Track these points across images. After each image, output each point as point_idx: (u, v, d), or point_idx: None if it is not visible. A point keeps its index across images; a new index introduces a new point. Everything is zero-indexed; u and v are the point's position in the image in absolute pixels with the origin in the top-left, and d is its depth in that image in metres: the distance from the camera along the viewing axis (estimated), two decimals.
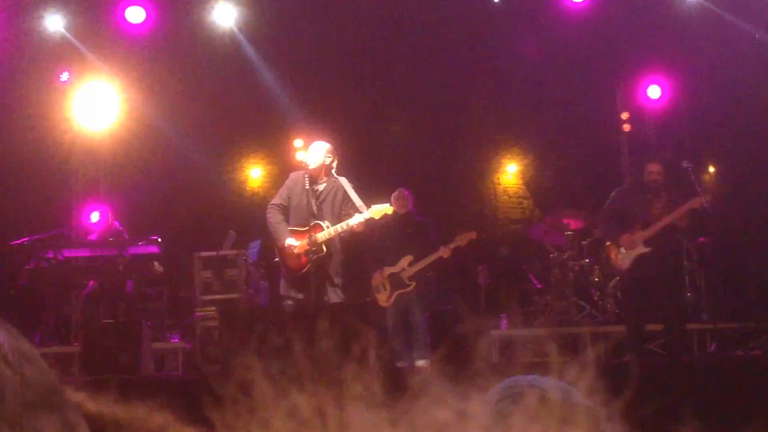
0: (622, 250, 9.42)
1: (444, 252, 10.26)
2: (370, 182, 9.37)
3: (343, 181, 8.73)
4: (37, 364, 1.37)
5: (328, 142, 8.94)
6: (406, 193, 10.57)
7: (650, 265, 9.26)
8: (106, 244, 11.13)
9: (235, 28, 13.40)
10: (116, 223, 11.81)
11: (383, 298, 10.31)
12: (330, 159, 8.78)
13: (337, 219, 8.61)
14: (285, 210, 8.83)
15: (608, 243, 9.78)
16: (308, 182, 8.67)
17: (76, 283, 11.38)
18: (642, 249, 9.29)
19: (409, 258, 10.24)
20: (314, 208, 8.63)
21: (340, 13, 13.64)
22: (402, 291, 10.24)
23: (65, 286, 11.55)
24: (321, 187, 8.74)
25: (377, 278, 10.34)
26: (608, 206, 9.75)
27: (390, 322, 10.28)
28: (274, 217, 8.79)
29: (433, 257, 10.27)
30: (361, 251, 10.46)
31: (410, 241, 10.34)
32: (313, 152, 8.78)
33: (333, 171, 8.80)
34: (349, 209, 8.58)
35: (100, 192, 13.82)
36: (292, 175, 9.01)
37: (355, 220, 8.44)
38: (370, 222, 8.54)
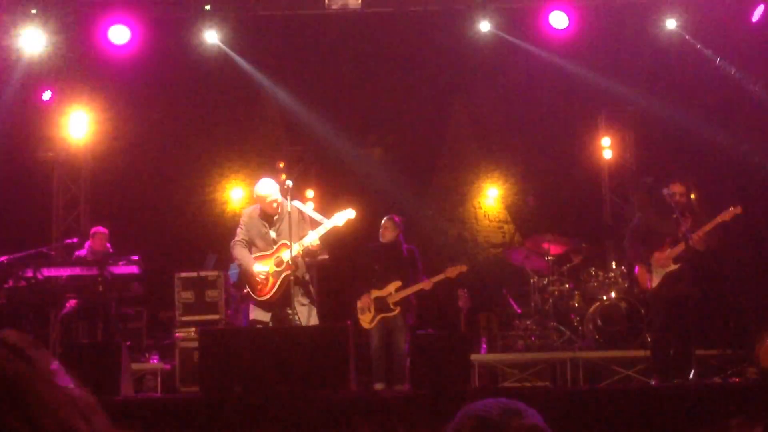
0: (653, 269, 9.38)
1: (426, 285, 10.36)
2: (350, 207, 9.38)
3: (297, 204, 8.92)
4: (102, 415, 1.44)
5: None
6: (397, 220, 10.61)
7: (678, 283, 9.27)
8: (86, 264, 11.08)
9: (221, 46, 13.39)
10: (107, 245, 11.80)
11: (366, 319, 10.36)
12: (278, 192, 8.90)
13: (297, 240, 8.76)
14: (248, 244, 9.01)
15: (637, 265, 9.75)
16: (262, 214, 8.97)
17: (55, 303, 11.32)
18: (671, 266, 9.29)
19: (397, 283, 10.32)
20: (273, 235, 8.92)
21: (323, 37, 13.68)
22: (386, 315, 10.29)
23: (44, 306, 11.49)
24: (275, 216, 8.90)
25: (364, 300, 10.41)
26: (634, 229, 9.78)
27: (372, 345, 10.32)
28: (239, 251, 9.02)
29: (416, 287, 10.34)
30: (341, 276, 10.53)
31: (398, 267, 10.41)
32: (262, 188, 8.97)
33: (283, 200, 8.90)
34: (305, 230, 8.76)
35: (80, 211, 13.78)
36: (246, 211, 9.34)
37: (321, 231, 8.64)
38: (335, 231, 8.74)
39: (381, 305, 10.34)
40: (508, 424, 1.81)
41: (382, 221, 10.62)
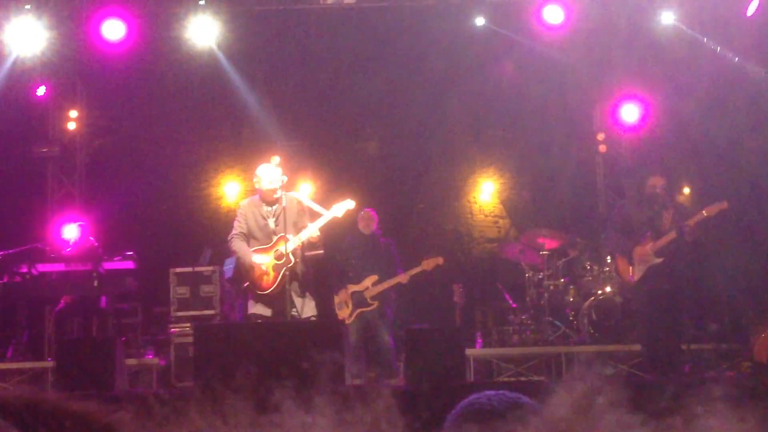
0: (635, 263, 9.37)
1: (402, 278, 10.41)
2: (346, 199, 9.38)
3: (297, 195, 8.89)
4: None
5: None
6: (372, 213, 10.67)
7: (662, 277, 9.24)
8: (81, 259, 11.06)
9: (213, 45, 13.35)
10: (91, 238, 11.75)
11: (345, 314, 10.39)
12: (279, 179, 8.78)
13: (297, 232, 8.69)
14: (246, 237, 8.90)
15: (618, 257, 9.72)
16: (262, 204, 8.87)
17: (50, 298, 11.31)
18: (654, 260, 9.24)
19: (373, 278, 10.34)
20: (272, 226, 8.80)
21: (319, 31, 13.67)
22: (364, 309, 10.32)
23: (39, 301, 11.47)
24: (275, 206, 8.81)
25: (341, 295, 10.44)
26: (614, 221, 9.78)
27: (350, 341, 10.32)
28: (237, 244, 8.90)
29: (393, 281, 10.37)
30: (330, 269, 10.55)
31: (375, 261, 10.46)
32: (264, 173, 8.88)
33: (283, 189, 8.82)
34: (305, 221, 8.70)
35: (75, 207, 13.75)
36: (243, 203, 9.24)
37: (320, 222, 8.59)
38: (334, 222, 8.70)
39: (358, 300, 10.37)
40: (511, 417, 1.79)
41: (362, 212, 10.61)
